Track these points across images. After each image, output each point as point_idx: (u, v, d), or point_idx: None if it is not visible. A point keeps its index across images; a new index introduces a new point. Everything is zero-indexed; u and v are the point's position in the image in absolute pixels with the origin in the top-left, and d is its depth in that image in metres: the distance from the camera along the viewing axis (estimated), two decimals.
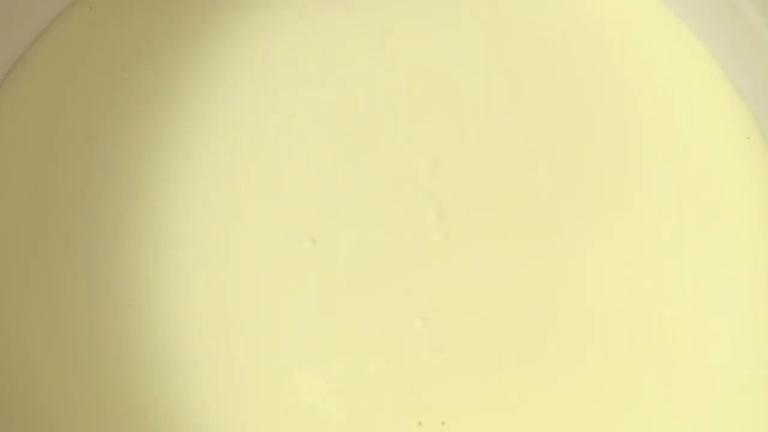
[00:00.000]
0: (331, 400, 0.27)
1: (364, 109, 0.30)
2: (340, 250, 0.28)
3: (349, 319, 0.27)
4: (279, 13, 0.32)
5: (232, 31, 0.31)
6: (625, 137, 0.30)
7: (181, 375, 0.27)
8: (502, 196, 0.29)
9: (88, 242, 0.28)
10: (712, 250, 0.29)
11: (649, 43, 0.32)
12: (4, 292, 0.27)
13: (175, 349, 0.27)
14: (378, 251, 0.28)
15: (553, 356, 0.27)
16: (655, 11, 0.33)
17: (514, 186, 0.30)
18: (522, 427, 0.27)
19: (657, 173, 0.30)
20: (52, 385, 0.27)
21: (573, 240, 0.29)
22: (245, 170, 0.29)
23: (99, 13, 0.31)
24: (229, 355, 0.27)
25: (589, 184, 0.30)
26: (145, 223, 0.28)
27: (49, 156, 0.29)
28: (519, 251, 0.29)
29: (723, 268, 0.29)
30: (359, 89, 0.30)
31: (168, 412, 0.26)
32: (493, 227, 0.29)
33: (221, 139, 0.30)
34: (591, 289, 0.28)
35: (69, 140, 0.29)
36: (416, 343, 0.27)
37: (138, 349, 0.27)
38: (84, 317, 0.27)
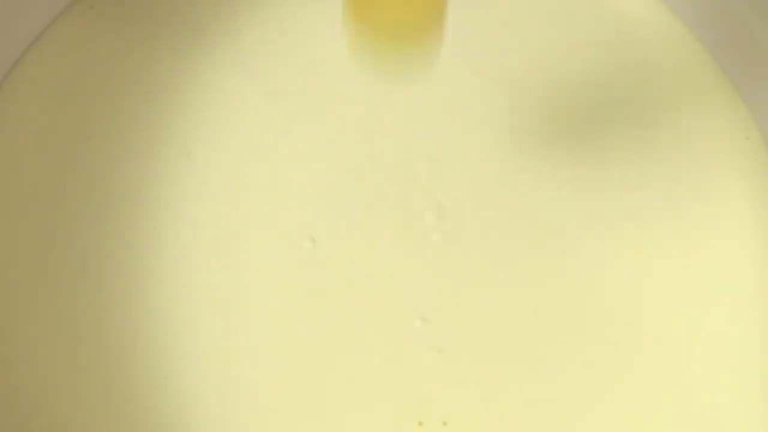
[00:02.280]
0: (331, 400, 0.27)
1: (364, 110, 0.30)
2: (340, 251, 0.28)
3: (349, 319, 0.27)
4: (280, 12, 0.31)
5: (232, 31, 0.31)
6: (624, 137, 0.30)
7: (182, 374, 0.26)
8: (501, 196, 0.29)
9: (88, 241, 0.28)
10: (711, 250, 0.29)
11: (648, 43, 0.32)
12: (4, 292, 0.27)
13: (176, 349, 0.27)
14: (378, 251, 0.28)
15: (553, 356, 0.27)
16: (655, 11, 0.33)
17: (513, 186, 0.30)
18: (523, 428, 0.27)
19: (656, 173, 0.30)
20: (54, 386, 0.26)
21: (572, 239, 0.29)
22: (245, 170, 0.29)
23: (99, 12, 0.31)
24: (229, 354, 0.27)
25: (587, 183, 0.30)
26: (146, 223, 0.28)
27: (49, 156, 0.29)
28: (518, 251, 0.29)
29: (722, 267, 0.29)
30: (360, 89, 0.30)
31: (169, 412, 0.26)
32: (493, 227, 0.29)
33: (221, 139, 0.29)
34: (590, 288, 0.28)
35: (69, 140, 0.29)
36: (417, 343, 0.27)
37: (139, 349, 0.27)
38: (84, 316, 0.27)
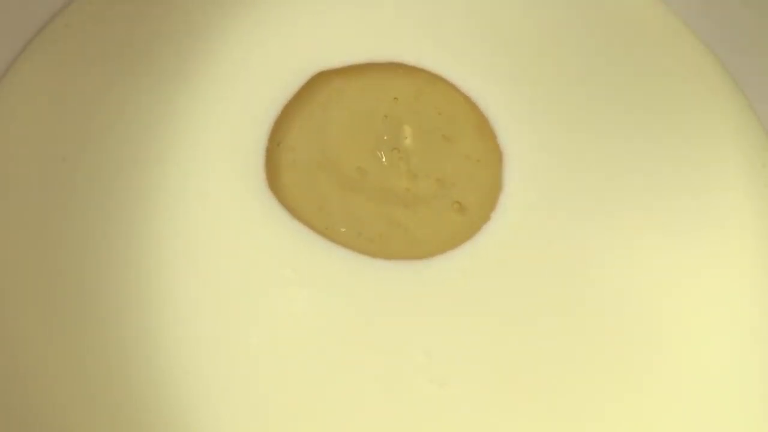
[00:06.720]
0: None
1: None
2: (346, 284, 0.27)
3: (351, 353, 0.27)
4: (263, 25, 0.31)
5: (215, 46, 0.31)
6: (631, 142, 0.30)
7: (183, 375, 0.26)
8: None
9: (86, 243, 0.28)
10: (722, 272, 0.29)
11: (667, 63, 0.32)
12: (5, 292, 0.27)
13: (176, 350, 0.26)
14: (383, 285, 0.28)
15: (558, 391, 0.26)
16: (657, 11, 0.32)
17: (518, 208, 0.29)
18: None
19: (666, 199, 0.29)
20: (55, 386, 0.26)
21: (579, 271, 0.28)
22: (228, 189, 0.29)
23: (75, 32, 0.31)
24: (230, 357, 0.26)
25: (603, 210, 0.29)
26: (144, 226, 0.28)
27: (35, 173, 0.29)
28: (522, 283, 0.28)
29: (735, 291, 0.28)
30: None
31: (169, 413, 0.26)
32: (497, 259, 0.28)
33: (203, 163, 0.29)
34: (598, 323, 0.27)
35: (47, 164, 0.29)
36: (419, 377, 0.26)
37: (138, 351, 0.26)
38: (84, 318, 0.27)
